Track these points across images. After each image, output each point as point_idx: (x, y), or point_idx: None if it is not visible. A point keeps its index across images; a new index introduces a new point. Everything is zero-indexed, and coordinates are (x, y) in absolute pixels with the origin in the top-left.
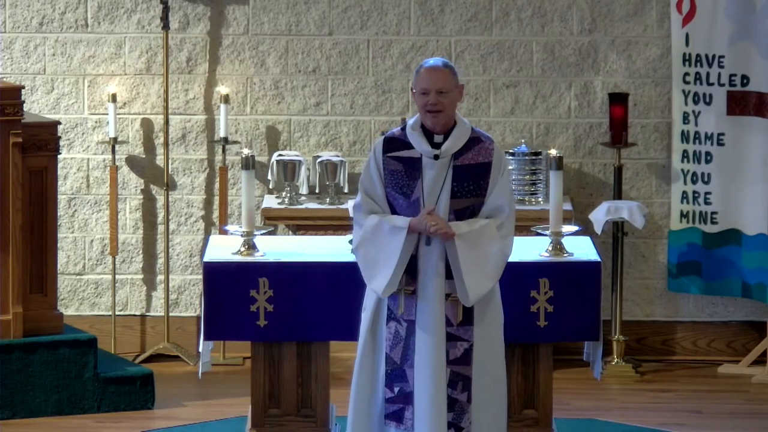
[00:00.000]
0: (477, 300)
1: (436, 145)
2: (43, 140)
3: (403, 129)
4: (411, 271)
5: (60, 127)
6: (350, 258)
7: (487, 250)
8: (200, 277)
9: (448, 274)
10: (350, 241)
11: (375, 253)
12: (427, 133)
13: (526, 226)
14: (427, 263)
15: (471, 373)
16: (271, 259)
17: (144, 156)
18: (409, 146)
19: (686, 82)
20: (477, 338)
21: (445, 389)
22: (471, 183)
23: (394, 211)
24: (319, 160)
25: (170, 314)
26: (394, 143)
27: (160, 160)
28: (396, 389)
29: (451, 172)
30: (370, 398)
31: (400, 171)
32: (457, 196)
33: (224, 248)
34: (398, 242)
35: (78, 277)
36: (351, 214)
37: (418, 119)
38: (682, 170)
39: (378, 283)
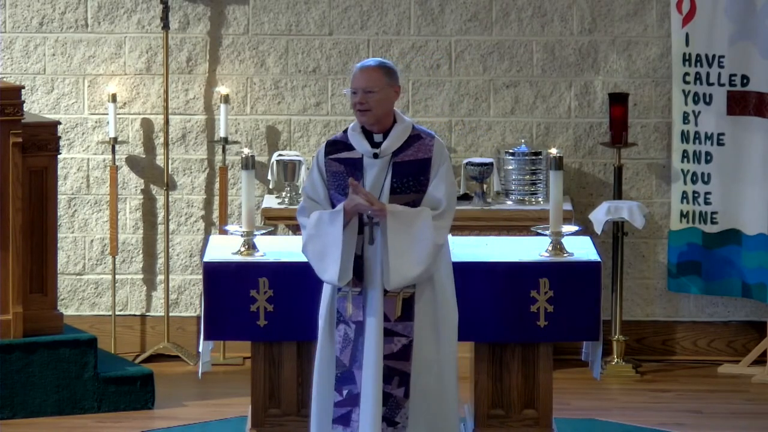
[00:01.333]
0: (400, 284)
1: (377, 145)
2: (43, 140)
3: (345, 132)
4: (357, 272)
5: (60, 127)
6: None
7: (419, 234)
8: (200, 277)
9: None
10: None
11: (321, 245)
12: (368, 134)
13: (526, 226)
14: (372, 262)
15: (410, 369)
16: (271, 259)
17: (144, 156)
18: (350, 147)
19: (686, 82)
20: (418, 334)
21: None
22: (410, 179)
23: None
24: None
25: (170, 314)
26: (336, 146)
27: (160, 160)
28: (345, 392)
29: (391, 169)
30: (328, 404)
31: (342, 172)
32: (396, 192)
33: (224, 248)
34: (338, 227)
35: (78, 277)
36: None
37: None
38: (682, 170)
39: (331, 272)
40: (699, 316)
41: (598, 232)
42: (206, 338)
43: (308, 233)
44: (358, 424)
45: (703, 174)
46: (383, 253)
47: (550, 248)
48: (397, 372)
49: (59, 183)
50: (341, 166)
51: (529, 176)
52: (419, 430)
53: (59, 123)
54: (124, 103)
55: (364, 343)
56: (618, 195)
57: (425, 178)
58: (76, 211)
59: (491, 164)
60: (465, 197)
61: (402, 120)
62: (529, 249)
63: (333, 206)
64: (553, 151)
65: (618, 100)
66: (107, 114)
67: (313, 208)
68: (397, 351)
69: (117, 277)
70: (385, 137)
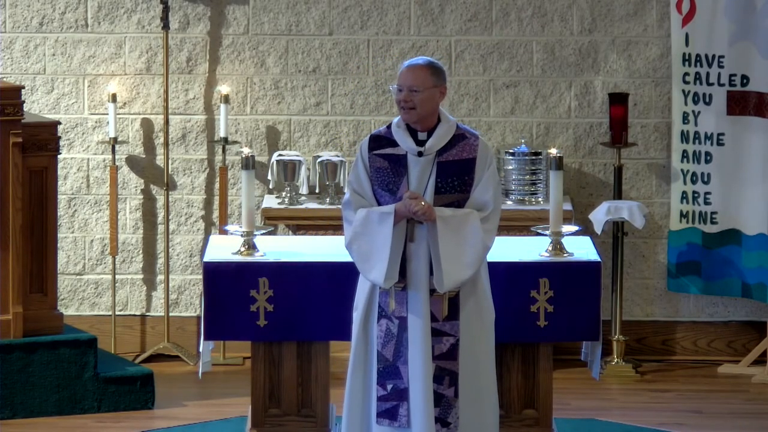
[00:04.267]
0: (452, 287)
1: (421, 143)
2: (43, 140)
3: (389, 127)
4: (400, 267)
5: (60, 127)
6: (350, 258)
7: (469, 238)
8: (200, 277)
9: (433, 270)
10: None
11: (368, 245)
12: (412, 131)
13: (526, 226)
14: (414, 259)
15: (458, 369)
16: (271, 259)
17: (144, 156)
18: (394, 144)
19: (686, 82)
20: (463, 333)
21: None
22: (455, 179)
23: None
24: (319, 160)
25: (170, 314)
26: (379, 141)
27: (160, 160)
28: (389, 387)
29: (435, 168)
30: (364, 398)
31: (386, 168)
32: (441, 192)
33: (224, 248)
34: (388, 228)
35: (78, 277)
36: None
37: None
38: (682, 170)
39: (376, 273)
40: (699, 316)
41: (598, 232)
42: (206, 338)
43: (354, 230)
44: (407, 419)
45: (702, 174)
46: (433, 256)
47: (550, 248)
48: (447, 372)
49: (59, 183)
50: (385, 162)
51: (529, 176)
52: (469, 430)
53: (59, 123)
54: (124, 103)
55: (408, 339)
56: (618, 195)
57: (470, 178)
58: (76, 211)
59: None
60: None
61: (447, 119)
62: (529, 249)
63: (377, 201)
64: (553, 151)
65: (618, 100)
66: (107, 114)
67: (359, 203)
68: (446, 351)
69: (117, 277)
70: (429, 136)
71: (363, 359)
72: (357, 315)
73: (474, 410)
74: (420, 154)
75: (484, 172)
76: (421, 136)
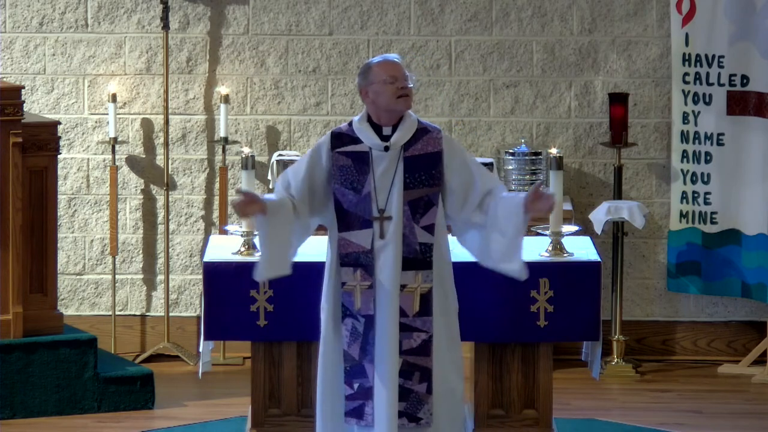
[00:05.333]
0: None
1: (385, 138)
2: (43, 140)
3: (350, 125)
4: (367, 265)
5: (60, 127)
6: None
7: (511, 217)
8: (200, 277)
9: (405, 266)
10: None
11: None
12: (376, 127)
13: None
14: (383, 256)
15: (431, 365)
16: None
17: (144, 156)
18: (356, 141)
19: (686, 82)
20: (437, 329)
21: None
22: (423, 173)
23: (338, 206)
24: None
25: (170, 314)
26: (341, 139)
27: (160, 160)
28: (355, 385)
29: (402, 163)
30: (334, 397)
31: (350, 166)
32: (410, 187)
33: (224, 248)
34: (261, 222)
35: (78, 277)
36: None
37: (364, 115)
38: (682, 170)
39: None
40: (699, 316)
41: (598, 232)
42: (206, 338)
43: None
44: (373, 417)
45: (702, 174)
46: (513, 233)
47: (550, 248)
48: (417, 368)
49: (59, 183)
50: (348, 159)
51: (529, 176)
52: (443, 426)
53: (59, 123)
54: (124, 103)
55: (376, 337)
56: (618, 195)
57: (437, 172)
58: (76, 211)
59: (491, 164)
60: None
61: (408, 114)
62: (529, 249)
63: (337, 200)
64: (553, 151)
65: (618, 100)
66: (107, 114)
67: (286, 183)
68: (416, 346)
69: (117, 277)
70: (393, 130)
71: (332, 358)
72: (324, 315)
73: (447, 406)
74: (386, 149)
75: (471, 165)
76: (386, 131)
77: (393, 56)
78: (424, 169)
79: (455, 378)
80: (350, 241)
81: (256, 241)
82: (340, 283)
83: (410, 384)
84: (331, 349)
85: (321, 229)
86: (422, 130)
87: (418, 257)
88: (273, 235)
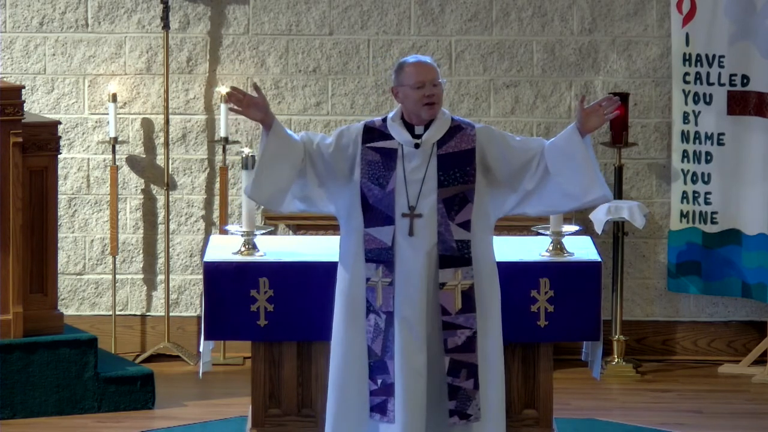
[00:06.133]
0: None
1: (417, 137)
2: (44, 140)
3: (384, 120)
4: (388, 262)
5: (60, 127)
6: None
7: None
8: (200, 277)
9: (443, 263)
10: None
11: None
12: (408, 126)
13: (526, 225)
14: (408, 254)
15: (476, 361)
16: (272, 259)
17: (144, 156)
18: (387, 137)
19: (686, 82)
20: (480, 326)
21: (424, 379)
22: (457, 170)
23: (364, 200)
24: None
25: (170, 314)
26: (372, 133)
27: (160, 160)
28: (379, 381)
29: (435, 161)
30: (355, 390)
31: (377, 161)
32: (444, 185)
33: (224, 248)
34: (263, 137)
35: (78, 277)
36: None
37: (398, 112)
38: (682, 170)
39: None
40: (699, 316)
41: (599, 232)
42: (206, 338)
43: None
44: (395, 414)
45: (703, 174)
46: (581, 163)
47: (551, 248)
48: (464, 365)
49: (59, 183)
50: (377, 155)
51: None
52: (491, 420)
53: (59, 123)
54: (125, 103)
55: (395, 334)
56: (618, 195)
57: (471, 169)
58: (76, 211)
59: None
60: None
61: (442, 112)
62: (530, 249)
63: (363, 194)
64: None
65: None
66: (107, 114)
67: (311, 141)
68: (461, 344)
69: (117, 277)
70: (425, 129)
71: (354, 350)
72: (339, 304)
73: (493, 401)
74: (417, 146)
75: (510, 140)
76: (418, 130)
77: (426, 58)
78: (459, 166)
79: (499, 372)
80: (374, 236)
81: (257, 241)
82: (359, 277)
83: (458, 381)
84: (351, 345)
85: (321, 229)
86: (456, 128)
87: (455, 254)
88: (269, 156)
